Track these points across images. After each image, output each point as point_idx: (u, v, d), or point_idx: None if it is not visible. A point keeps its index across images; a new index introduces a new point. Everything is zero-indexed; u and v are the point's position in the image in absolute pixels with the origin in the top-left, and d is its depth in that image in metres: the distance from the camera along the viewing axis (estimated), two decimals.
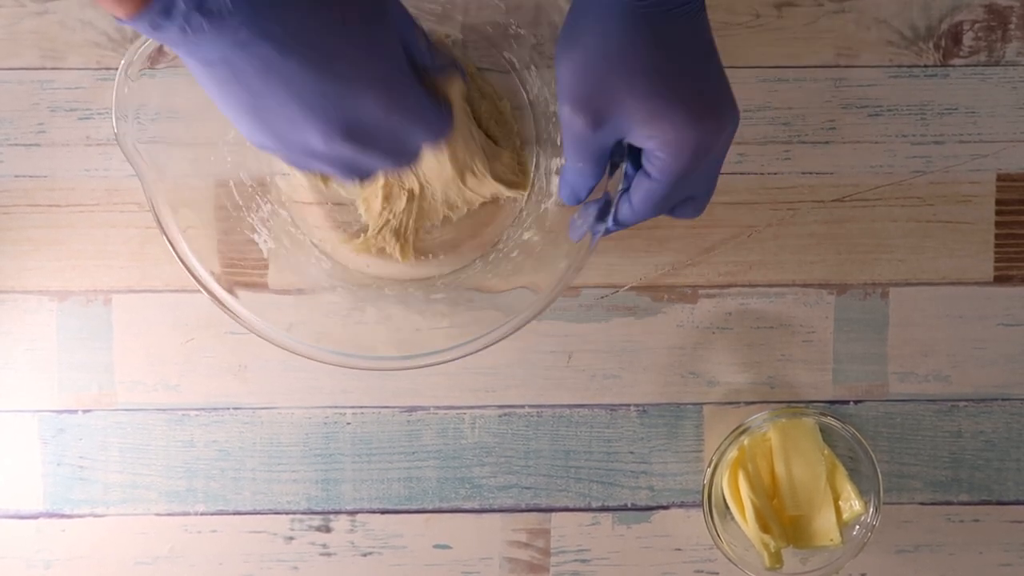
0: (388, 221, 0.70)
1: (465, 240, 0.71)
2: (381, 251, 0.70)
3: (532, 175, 0.71)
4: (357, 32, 0.52)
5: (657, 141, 0.54)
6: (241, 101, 0.53)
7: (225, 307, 0.63)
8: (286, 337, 0.62)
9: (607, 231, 0.60)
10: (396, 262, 0.70)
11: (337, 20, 0.51)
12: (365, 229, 0.71)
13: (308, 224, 0.71)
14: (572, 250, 0.62)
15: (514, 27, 0.68)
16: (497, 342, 0.62)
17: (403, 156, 0.58)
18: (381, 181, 0.69)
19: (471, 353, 0.62)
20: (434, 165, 0.67)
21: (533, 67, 0.69)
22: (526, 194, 0.70)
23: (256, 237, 0.69)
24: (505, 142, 0.70)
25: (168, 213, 0.62)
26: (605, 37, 0.53)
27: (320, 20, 0.51)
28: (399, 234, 0.70)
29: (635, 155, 0.57)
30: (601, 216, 0.60)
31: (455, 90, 0.61)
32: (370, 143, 0.55)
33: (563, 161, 0.58)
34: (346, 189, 0.71)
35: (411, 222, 0.70)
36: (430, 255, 0.71)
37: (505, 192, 0.69)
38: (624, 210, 0.59)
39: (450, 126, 0.60)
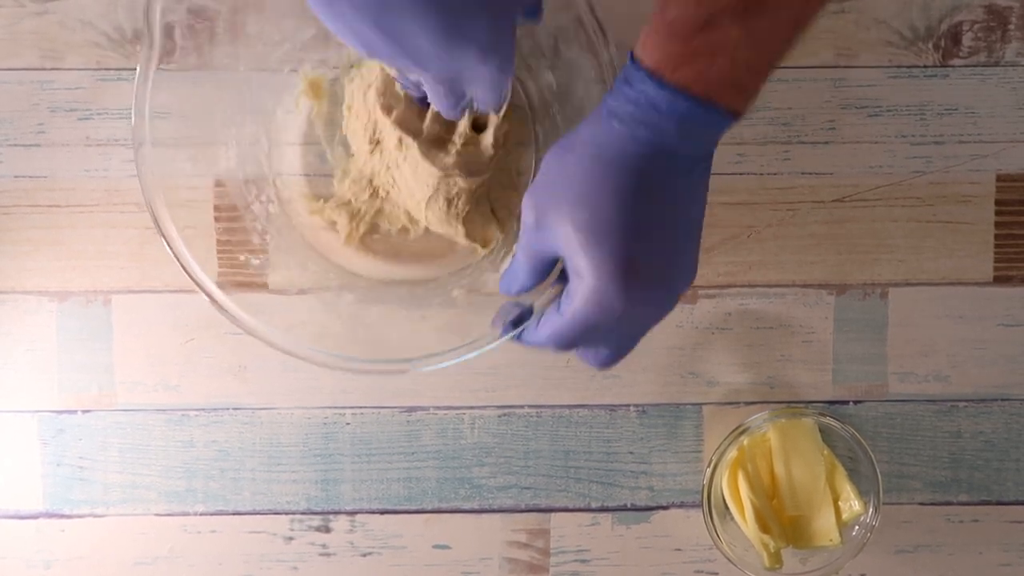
0: (349, 202, 0.70)
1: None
2: (332, 223, 0.70)
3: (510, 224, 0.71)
4: None
5: (578, 279, 0.53)
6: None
7: (222, 308, 0.62)
8: (283, 339, 0.62)
9: (513, 338, 0.59)
10: (377, 257, 0.70)
11: None
12: (328, 198, 0.70)
13: (304, 224, 0.71)
14: None
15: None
16: (496, 345, 0.62)
17: (454, 91, 0.55)
18: (362, 164, 0.69)
19: (474, 354, 0.62)
20: (412, 174, 0.67)
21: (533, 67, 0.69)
22: (484, 252, 0.70)
23: (255, 237, 0.69)
24: (499, 207, 0.70)
25: (166, 214, 0.62)
26: (580, 162, 0.52)
27: None
28: (353, 217, 0.70)
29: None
30: (515, 323, 0.59)
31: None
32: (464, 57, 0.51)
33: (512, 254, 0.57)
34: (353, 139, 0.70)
35: (369, 215, 0.70)
36: (430, 256, 0.71)
37: (462, 241, 0.69)
38: (530, 330, 0.58)
39: (505, 100, 0.58)
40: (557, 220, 0.53)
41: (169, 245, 0.62)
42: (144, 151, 0.62)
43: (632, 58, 0.51)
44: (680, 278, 0.55)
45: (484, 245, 0.70)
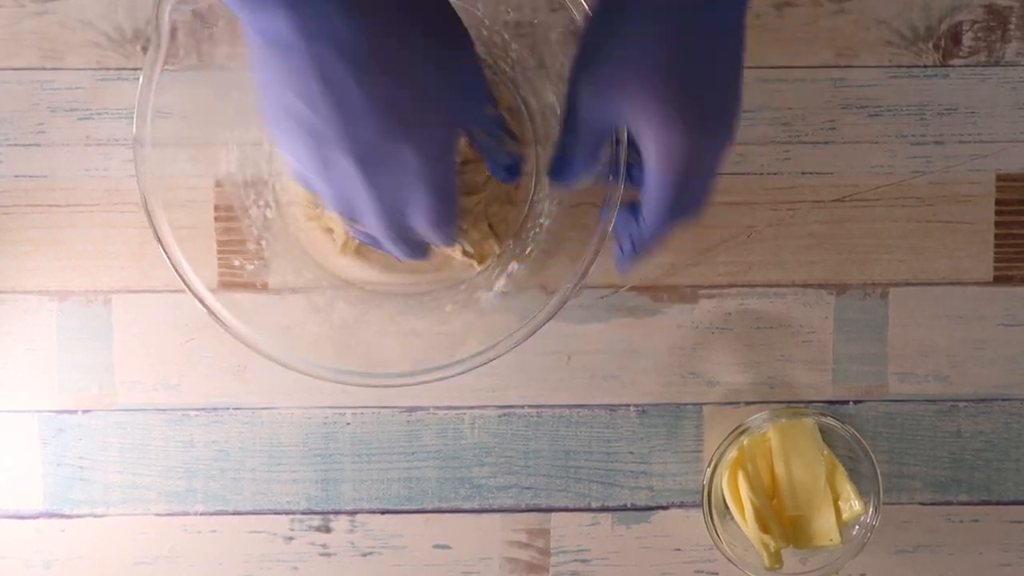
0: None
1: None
2: (328, 231, 0.70)
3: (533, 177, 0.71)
4: (437, 83, 0.49)
5: (648, 139, 0.52)
6: (284, 98, 0.49)
7: (213, 314, 0.62)
8: (270, 346, 0.62)
9: (633, 255, 0.58)
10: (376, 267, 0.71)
11: (430, 56, 0.49)
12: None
13: (300, 230, 0.71)
14: (576, 254, 0.61)
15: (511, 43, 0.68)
16: (509, 351, 0.61)
17: (394, 228, 0.55)
18: None
19: (481, 364, 0.62)
20: None
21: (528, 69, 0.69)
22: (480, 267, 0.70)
23: (252, 241, 0.69)
24: (497, 223, 0.70)
25: (162, 218, 0.62)
26: (633, 24, 0.51)
27: (393, 46, 0.48)
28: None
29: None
30: (634, 245, 0.58)
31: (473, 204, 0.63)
32: (369, 204, 0.52)
33: (560, 145, 0.56)
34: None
35: None
36: (425, 268, 0.71)
37: (459, 258, 0.69)
38: (637, 232, 0.57)
39: (451, 240, 0.57)
40: (622, 89, 0.51)
41: (165, 251, 0.62)
42: (144, 153, 0.62)
43: None
44: (739, 108, 0.54)
45: (481, 261, 0.69)
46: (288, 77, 0.48)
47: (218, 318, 0.62)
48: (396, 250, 0.56)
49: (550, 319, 0.62)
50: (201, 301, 0.62)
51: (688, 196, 0.55)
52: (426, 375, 0.62)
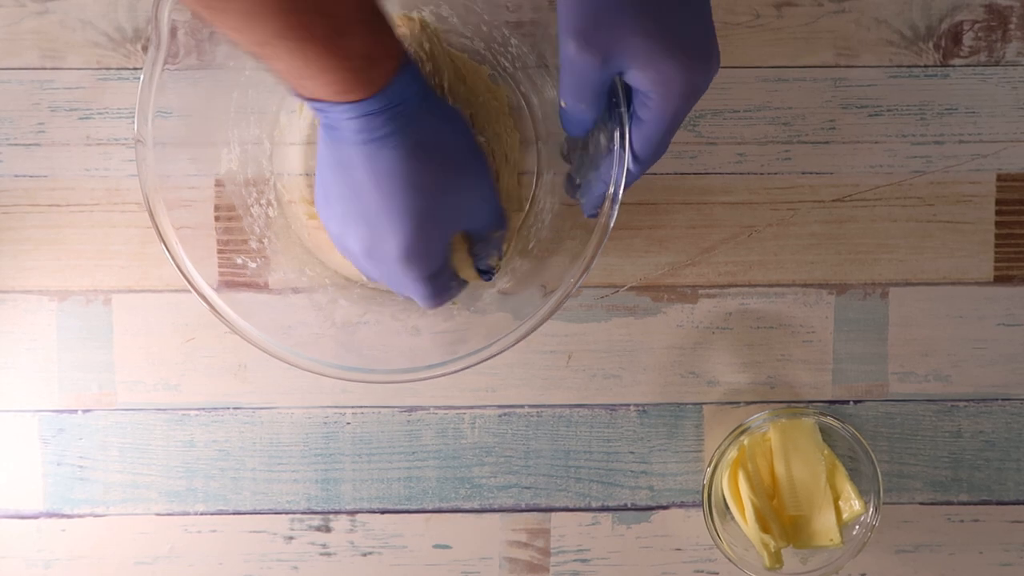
0: None
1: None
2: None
3: (533, 189, 0.71)
4: (458, 193, 0.60)
5: (653, 82, 0.55)
6: (344, 190, 0.59)
7: (216, 311, 0.62)
8: (272, 343, 0.62)
9: (628, 181, 0.60)
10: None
11: (458, 169, 0.60)
12: None
13: (302, 228, 0.71)
14: (577, 247, 0.62)
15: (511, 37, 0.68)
16: (509, 348, 0.62)
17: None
18: None
19: (480, 362, 0.62)
20: None
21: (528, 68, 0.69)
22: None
23: (254, 239, 0.69)
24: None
25: (165, 218, 0.62)
26: None
27: (447, 159, 0.59)
28: None
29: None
30: (600, 200, 0.60)
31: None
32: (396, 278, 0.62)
33: (562, 104, 0.59)
34: None
35: None
36: None
37: (470, 277, 0.69)
38: (629, 165, 0.60)
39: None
40: (617, 45, 0.54)
41: (168, 249, 0.62)
42: (145, 153, 0.62)
43: None
44: (715, 39, 0.57)
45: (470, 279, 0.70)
46: (352, 169, 0.58)
47: (221, 315, 0.62)
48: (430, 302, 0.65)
49: (550, 316, 0.62)
50: (204, 299, 0.62)
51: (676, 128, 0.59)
52: (427, 371, 0.62)
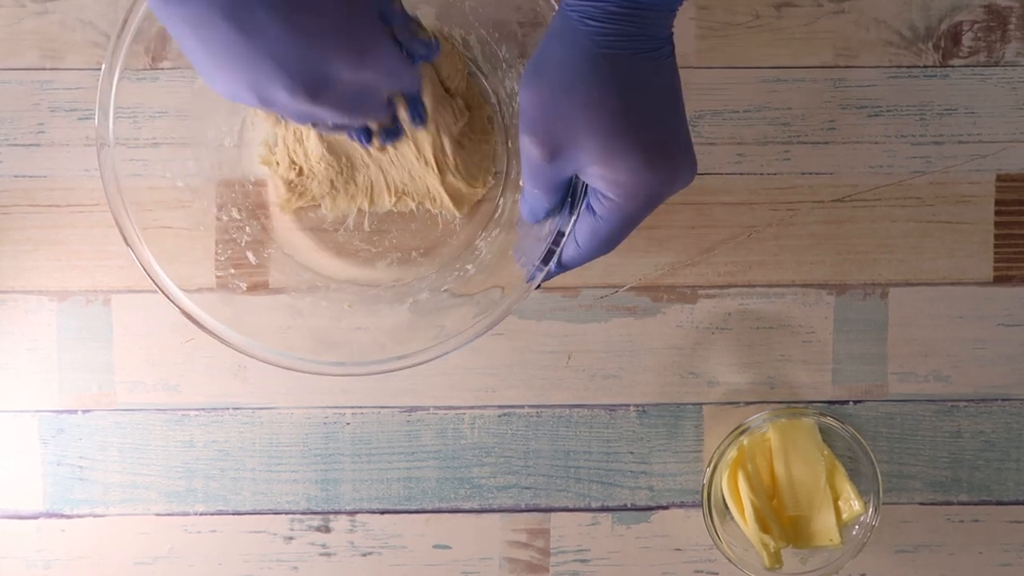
0: (293, 162, 0.69)
1: (441, 242, 0.71)
2: (297, 212, 0.70)
3: (504, 176, 0.71)
4: None
5: (607, 182, 0.54)
6: (211, 49, 0.53)
7: (181, 307, 0.63)
8: (243, 342, 0.63)
9: (549, 275, 0.61)
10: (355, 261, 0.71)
11: None
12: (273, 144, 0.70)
13: (285, 228, 0.71)
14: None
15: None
16: (470, 342, 0.62)
17: (370, 113, 0.60)
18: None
19: (441, 355, 0.62)
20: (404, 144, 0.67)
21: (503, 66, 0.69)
22: (483, 191, 0.70)
23: (249, 239, 0.69)
24: (477, 140, 0.70)
25: (127, 220, 0.62)
26: (570, 73, 0.53)
27: None
28: (291, 186, 0.69)
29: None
30: (545, 260, 0.60)
31: (427, 71, 0.63)
32: (337, 100, 0.56)
33: (521, 184, 0.58)
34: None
35: (319, 182, 0.69)
36: (405, 257, 0.71)
37: (463, 190, 0.69)
38: (569, 250, 0.59)
39: (419, 82, 0.61)
40: (573, 140, 0.54)
41: (134, 253, 0.62)
42: (107, 154, 0.62)
43: None
44: (688, 147, 0.56)
45: (459, 205, 0.70)
46: (208, 32, 0.52)
47: (193, 317, 0.63)
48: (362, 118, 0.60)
49: (508, 313, 0.62)
50: (174, 301, 0.62)
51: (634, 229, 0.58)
52: (396, 362, 0.62)
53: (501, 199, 0.71)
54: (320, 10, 0.54)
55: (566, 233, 0.59)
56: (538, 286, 0.61)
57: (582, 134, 0.53)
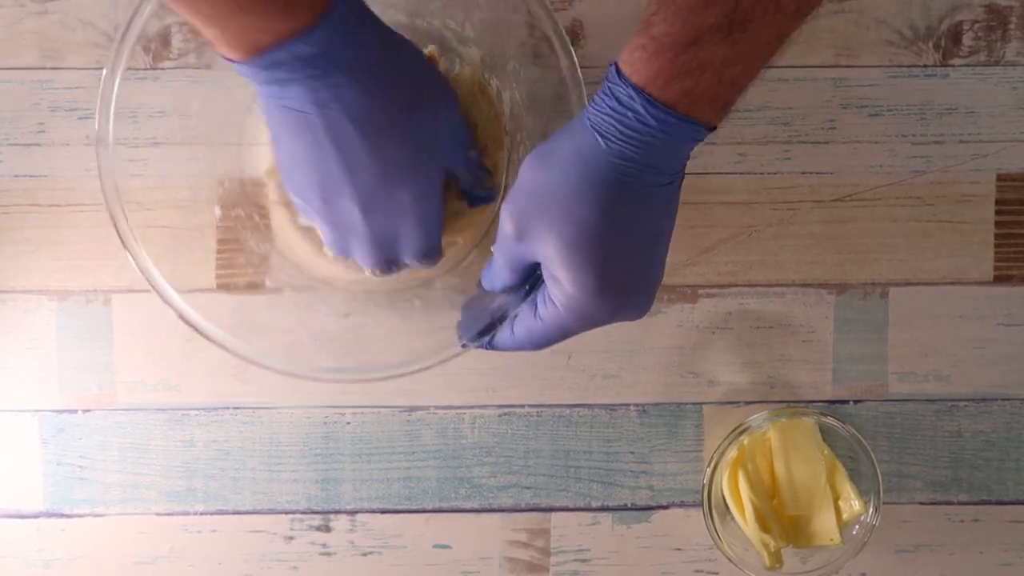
0: None
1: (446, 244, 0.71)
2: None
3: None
4: (428, 137, 0.58)
5: (557, 288, 0.54)
6: (298, 151, 0.57)
7: (174, 307, 0.63)
8: (237, 343, 0.63)
9: (481, 346, 0.61)
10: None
11: (419, 112, 0.57)
12: None
13: (282, 227, 0.71)
14: None
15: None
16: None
17: (383, 259, 0.63)
18: None
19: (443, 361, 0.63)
20: None
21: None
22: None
23: (250, 239, 0.69)
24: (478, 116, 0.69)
25: (124, 223, 0.63)
26: (565, 176, 0.53)
27: (404, 100, 0.57)
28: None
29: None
30: (483, 332, 0.60)
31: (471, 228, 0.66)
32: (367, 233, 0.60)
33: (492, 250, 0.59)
34: None
35: None
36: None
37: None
38: (504, 334, 0.59)
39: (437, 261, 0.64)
40: (540, 232, 0.54)
41: (130, 254, 0.62)
42: (105, 154, 0.62)
43: (618, 72, 0.52)
44: (651, 288, 0.56)
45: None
46: (303, 135, 0.56)
47: (188, 320, 0.63)
48: (374, 264, 0.63)
49: (531, 300, 0.62)
50: (168, 302, 0.63)
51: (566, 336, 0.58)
52: (395, 370, 0.63)
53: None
54: (398, 209, 0.59)
55: (509, 317, 0.59)
56: (463, 347, 0.62)
57: (549, 233, 0.53)
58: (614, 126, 0.52)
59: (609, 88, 0.52)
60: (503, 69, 0.68)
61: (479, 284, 0.63)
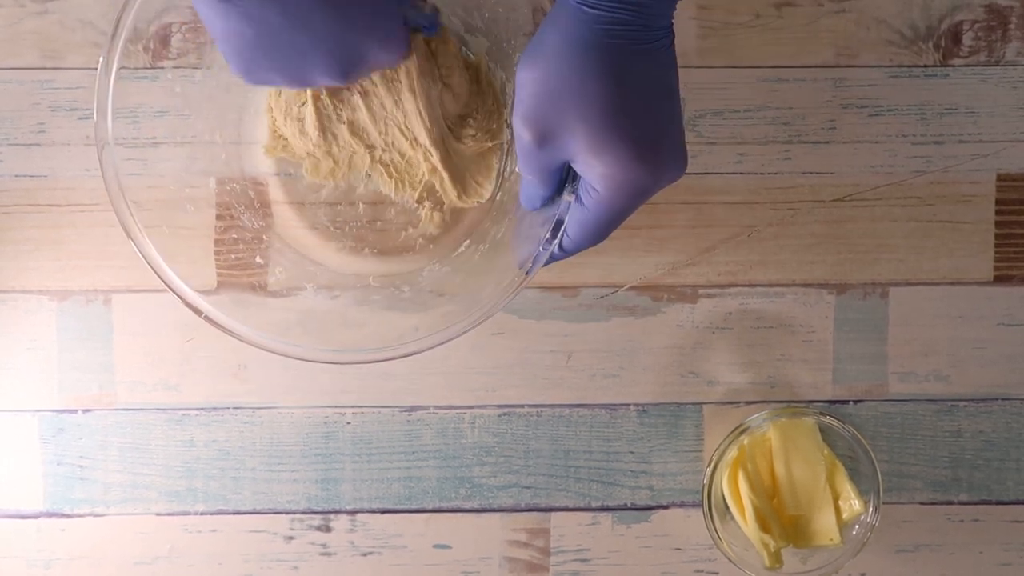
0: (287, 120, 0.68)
1: (445, 233, 0.71)
2: (285, 149, 0.70)
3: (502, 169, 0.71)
4: None
5: (595, 173, 0.54)
6: (250, 38, 0.56)
7: (187, 301, 0.63)
8: (257, 335, 0.63)
9: (552, 258, 0.60)
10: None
11: None
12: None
13: (289, 225, 0.71)
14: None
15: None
16: (459, 335, 0.62)
17: (352, 68, 0.60)
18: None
19: (432, 347, 0.62)
20: (389, 84, 0.66)
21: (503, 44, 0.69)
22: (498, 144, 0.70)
23: (251, 237, 0.69)
24: (477, 104, 0.69)
25: (131, 219, 0.62)
26: (566, 60, 0.53)
27: None
28: (277, 137, 0.69)
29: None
30: (552, 237, 0.59)
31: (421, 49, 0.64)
32: (362, 75, 0.61)
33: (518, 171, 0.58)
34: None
35: (305, 143, 0.68)
36: (409, 251, 0.71)
37: (470, 139, 0.68)
38: (563, 241, 0.59)
39: (407, 48, 0.62)
40: (561, 126, 0.53)
41: (138, 249, 0.62)
42: (107, 152, 0.62)
43: None
44: (680, 142, 0.56)
45: (463, 196, 0.69)
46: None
47: (206, 315, 0.62)
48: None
49: (502, 303, 0.62)
50: (185, 300, 0.62)
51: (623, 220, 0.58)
52: (390, 351, 0.62)
53: (500, 191, 0.71)
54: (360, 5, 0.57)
55: (564, 221, 0.58)
56: (528, 273, 0.61)
57: (572, 123, 0.53)
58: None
59: None
60: (509, 61, 0.68)
61: (517, 209, 0.62)
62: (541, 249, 0.59)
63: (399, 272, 0.71)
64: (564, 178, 0.58)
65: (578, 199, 0.57)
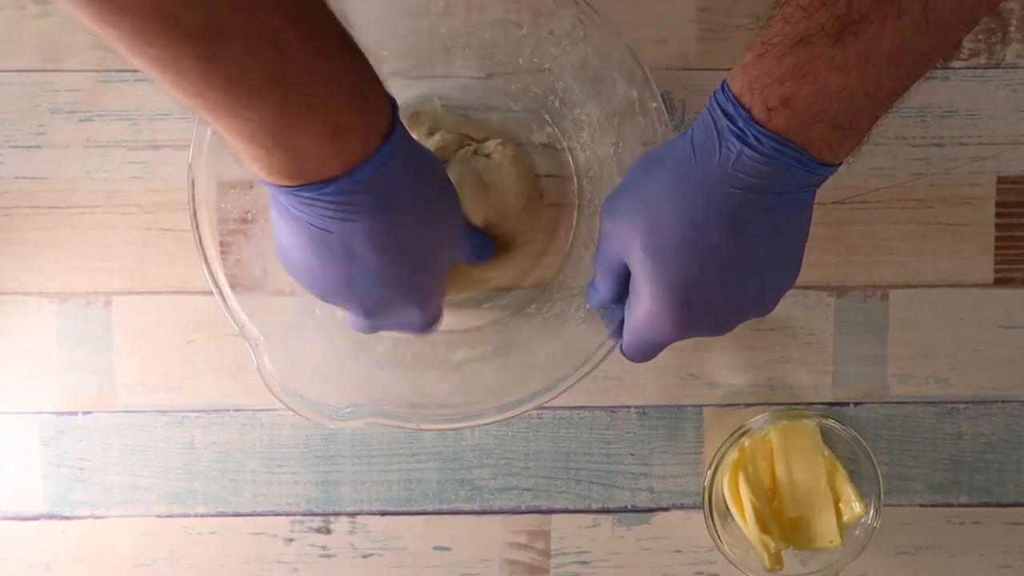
0: None
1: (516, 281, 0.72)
2: None
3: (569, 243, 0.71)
4: (435, 249, 0.56)
5: (634, 296, 0.55)
6: (310, 260, 0.54)
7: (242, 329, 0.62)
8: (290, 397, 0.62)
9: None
10: None
11: (431, 232, 0.55)
12: None
13: None
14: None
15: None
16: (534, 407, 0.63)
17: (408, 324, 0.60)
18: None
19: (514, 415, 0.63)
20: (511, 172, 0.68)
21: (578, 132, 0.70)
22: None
23: (252, 238, 0.69)
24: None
25: (206, 222, 0.62)
26: (664, 178, 0.51)
27: (422, 225, 0.54)
28: None
29: None
30: (616, 333, 0.61)
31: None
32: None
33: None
34: None
35: None
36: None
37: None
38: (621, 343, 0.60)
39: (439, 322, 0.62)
40: (629, 234, 0.53)
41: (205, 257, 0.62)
42: (199, 164, 0.62)
43: (724, 87, 0.49)
44: (746, 311, 0.55)
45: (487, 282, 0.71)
46: (318, 249, 0.53)
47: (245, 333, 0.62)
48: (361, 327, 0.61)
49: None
50: (236, 321, 0.62)
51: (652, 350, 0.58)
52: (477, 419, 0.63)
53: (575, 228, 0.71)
54: (400, 310, 0.57)
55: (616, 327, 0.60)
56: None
57: (638, 239, 0.52)
58: (716, 146, 0.49)
59: (717, 101, 0.49)
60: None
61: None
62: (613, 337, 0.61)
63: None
64: (625, 285, 0.57)
65: (624, 320, 0.57)
